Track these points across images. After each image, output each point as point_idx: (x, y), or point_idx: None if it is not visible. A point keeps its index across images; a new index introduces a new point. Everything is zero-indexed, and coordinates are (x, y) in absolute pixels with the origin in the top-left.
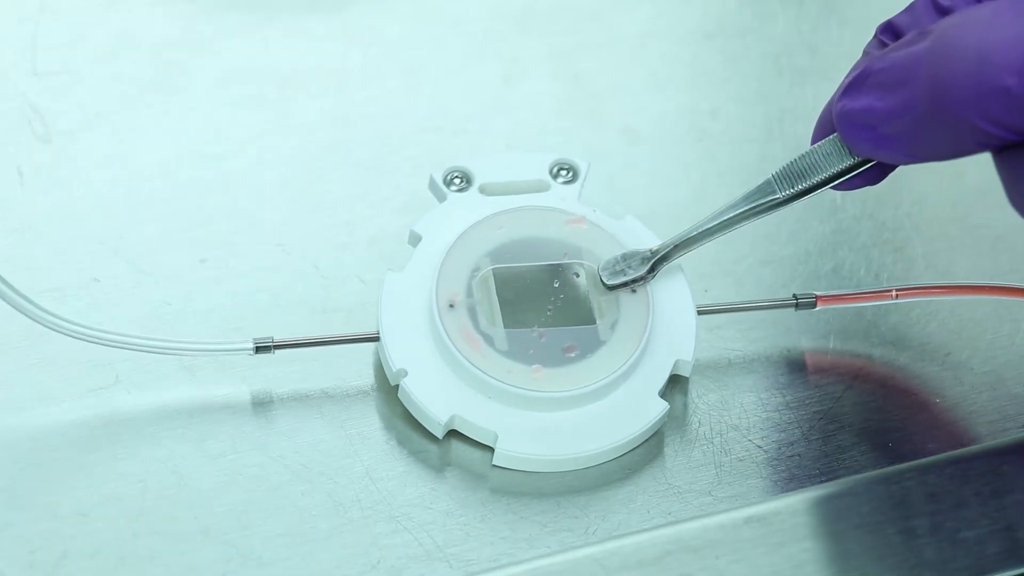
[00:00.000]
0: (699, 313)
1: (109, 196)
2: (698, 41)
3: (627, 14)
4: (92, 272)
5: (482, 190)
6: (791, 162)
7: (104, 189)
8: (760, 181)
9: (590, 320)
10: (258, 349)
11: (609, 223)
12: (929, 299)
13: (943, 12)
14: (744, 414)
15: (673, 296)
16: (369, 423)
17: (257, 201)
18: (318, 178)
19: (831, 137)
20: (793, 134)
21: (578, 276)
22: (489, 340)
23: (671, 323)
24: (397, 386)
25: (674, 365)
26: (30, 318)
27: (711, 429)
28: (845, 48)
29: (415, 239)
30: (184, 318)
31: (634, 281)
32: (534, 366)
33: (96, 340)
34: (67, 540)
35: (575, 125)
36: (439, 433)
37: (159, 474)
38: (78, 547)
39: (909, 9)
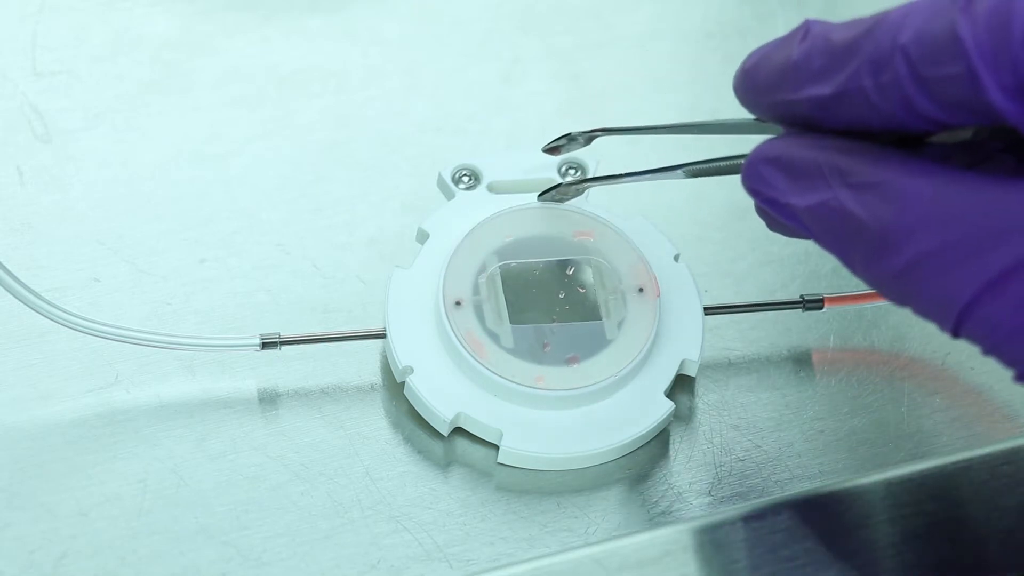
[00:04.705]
0: (706, 313)
1: (109, 196)
2: (698, 41)
3: (627, 14)
4: (92, 272)
5: (490, 188)
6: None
7: (104, 189)
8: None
9: (596, 317)
10: (264, 345)
11: (617, 223)
12: None
13: None
14: (744, 414)
15: (680, 296)
16: (370, 423)
17: (257, 201)
18: (318, 178)
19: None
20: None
21: (584, 276)
22: (495, 338)
23: (678, 323)
24: (401, 384)
25: (680, 365)
26: (42, 314)
27: (711, 429)
28: None
29: (423, 236)
30: (184, 318)
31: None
32: (537, 375)
33: (104, 335)
34: (67, 540)
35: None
36: (444, 431)
37: (159, 474)
38: (78, 547)
39: None
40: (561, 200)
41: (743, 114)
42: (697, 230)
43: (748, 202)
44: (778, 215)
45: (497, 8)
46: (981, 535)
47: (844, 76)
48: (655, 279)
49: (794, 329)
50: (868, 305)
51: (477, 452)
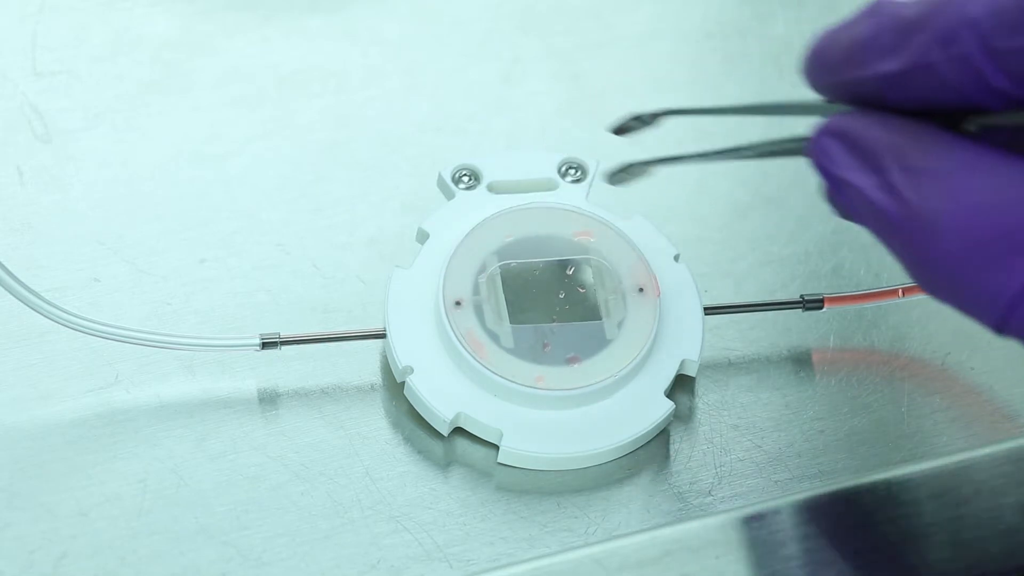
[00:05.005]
0: (705, 313)
1: (109, 196)
2: (698, 41)
3: (627, 14)
4: (92, 272)
5: (490, 188)
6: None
7: (104, 189)
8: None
9: (596, 316)
10: (264, 345)
11: (617, 223)
12: (930, 298)
13: None
14: (744, 414)
15: (680, 296)
16: (370, 423)
17: (257, 201)
18: (318, 178)
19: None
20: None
21: (584, 276)
22: (495, 338)
23: (678, 323)
24: (401, 384)
25: (680, 365)
26: (42, 314)
27: (711, 429)
28: None
29: (423, 236)
30: (184, 318)
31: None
32: (537, 375)
33: (104, 335)
34: (67, 540)
35: (575, 125)
36: (444, 431)
37: (159, 474)
38: (78, 547)
39: None
40: (629, 180)
41: (810, 95)
42: (697, 230)
43: (749, 201)
44: (836, 192)
45: (497, 8)
46: (981, 535)
47: (913, 51)
48: (655, 279)
49: (794, 329)
50: (868, 305)
51: (477, 452)
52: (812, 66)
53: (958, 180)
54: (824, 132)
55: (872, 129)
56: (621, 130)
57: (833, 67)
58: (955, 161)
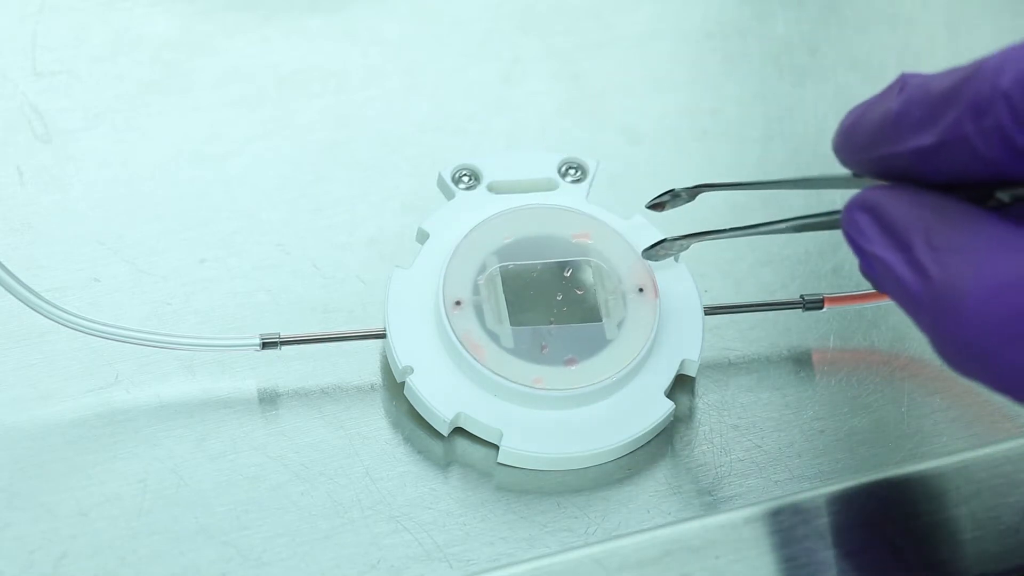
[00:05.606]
0: (706, 313)
1: (109, 196)
2: (698, 41)
3: (627, 14)
4: (92, 272)
5: (490, 188)
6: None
7: (104, 189)
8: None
9: (596, 318)
10: (264, 345)
11: (617, 223)
12: None
13: None
14: (744, 414)
15: (680, 296)
16: (370, 423)
17: (257, 201)
18: (318, 178)
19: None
20: (793, 134)
21: (584, 276)
22: (495, 338)
23: (678, 323)
24: (401, 384)
25: (680, 365)
26: (42, 314)
27: (711, 429)
28: (845, 48)
29: (423, 236)
30: (184, 318)
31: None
32: (537, 376)
33: (104, 335)
34: (67, 540)
35: (575, 125)
36: (444, 431)
37: (159, 474)
38: (78, 547)
39: None
40: (665, 256)
41: (838, 168)
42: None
43: (747, 203)
44: (866, 266)
45: (497, 8)
46: (981, 535)
47: (945, 124)
48: (655, 279)
49: (794, 329)
50: (868, 305)
51: (477, 452)
52: (842, 144)
53: (983, 257)
54: (854, 206)
55: (900, 204)
56: (657, 205)
57: (865, 144)
58: (981, 238)
